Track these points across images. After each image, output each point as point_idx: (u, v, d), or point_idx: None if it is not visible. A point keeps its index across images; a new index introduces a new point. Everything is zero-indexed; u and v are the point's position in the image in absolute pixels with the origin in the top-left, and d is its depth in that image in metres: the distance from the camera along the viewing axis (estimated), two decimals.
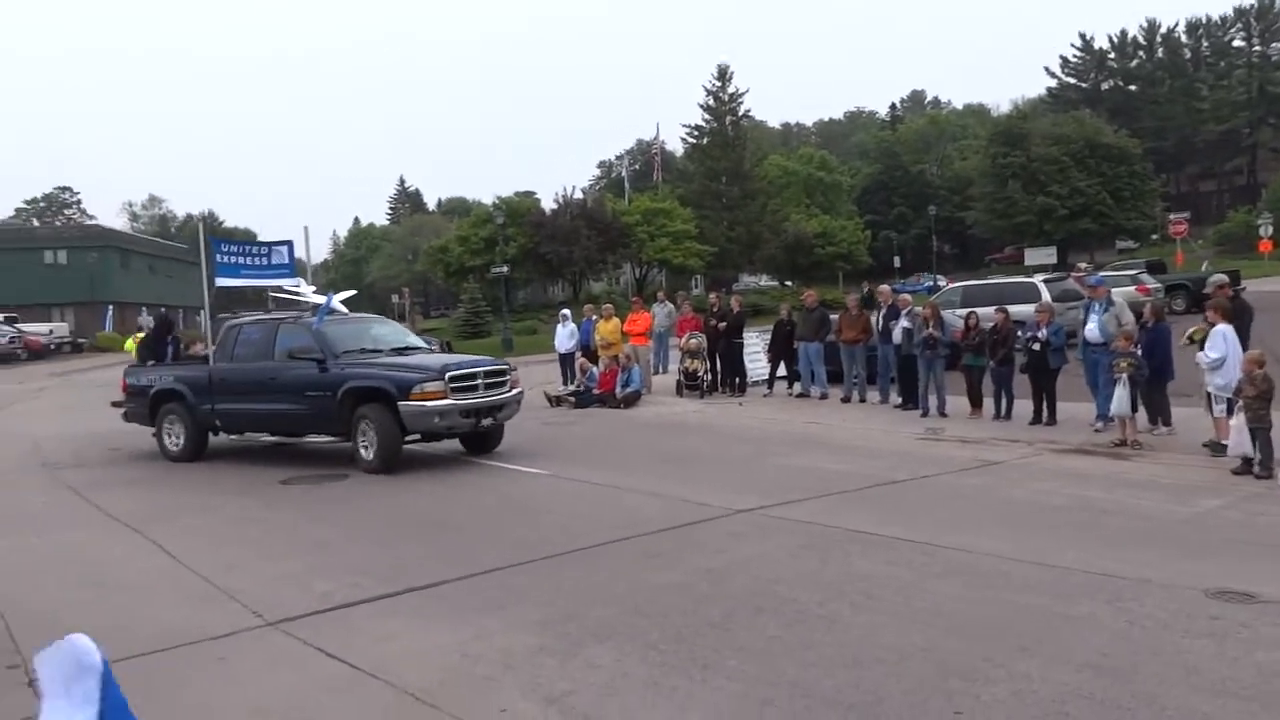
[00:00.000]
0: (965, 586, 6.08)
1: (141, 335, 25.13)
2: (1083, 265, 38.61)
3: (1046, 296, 19.31)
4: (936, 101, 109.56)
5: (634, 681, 4.75)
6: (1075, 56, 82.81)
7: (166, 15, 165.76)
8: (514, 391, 12.19)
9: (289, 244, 14.38)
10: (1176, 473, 9.59)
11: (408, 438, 11.32)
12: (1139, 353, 11.06)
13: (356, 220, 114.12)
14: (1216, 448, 9.90)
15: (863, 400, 15.96)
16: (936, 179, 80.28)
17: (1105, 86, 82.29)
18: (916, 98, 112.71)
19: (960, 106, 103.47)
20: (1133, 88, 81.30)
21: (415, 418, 10.98)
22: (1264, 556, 6.60)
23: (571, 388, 18.39)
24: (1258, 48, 79.05)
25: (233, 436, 12.94)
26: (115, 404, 14.32)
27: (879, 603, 5.82)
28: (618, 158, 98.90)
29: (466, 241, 53.05)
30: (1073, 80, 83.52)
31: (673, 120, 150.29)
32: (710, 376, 18.15)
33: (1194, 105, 75.58)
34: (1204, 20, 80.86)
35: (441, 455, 12.12)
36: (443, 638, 5.50)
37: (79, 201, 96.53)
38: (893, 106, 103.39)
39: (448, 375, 11.15)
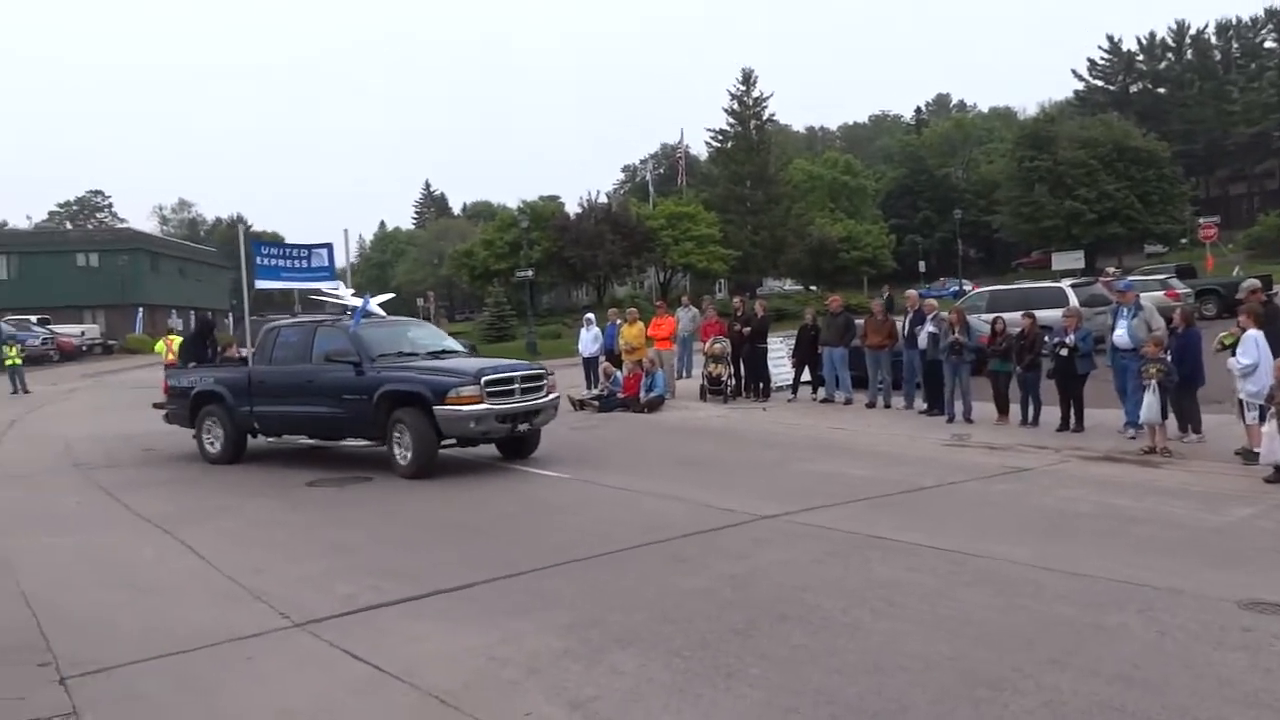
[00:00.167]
0: (992, 595, 6.03)
1: (174, 338, 25.47)
2: (1111, 270, 38.20)
3: (1074, 301, 19.20)
4: (962, 105, 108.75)
5: (658, 688, 4.74)
6: (1103, 59, 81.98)
7: (197, 23, 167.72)
8: (551, 396, 12.06)
9: (329, 246, 14.38)
10: (1207, 481, 9.47)
11: (443, 443, 11.24)
12: (1169, 358, 10.94)
13: (382, 224, 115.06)
14: (1249, 455, 9.76)
15: (887, 406, 15.87)
16: (962, 183, 79.74)
17: (1134, 89, 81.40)
18: (942, 101, 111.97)
19: (986, 110, 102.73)
20: (1161, 90, 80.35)
21: (451, 422, 10.91)
22: None
23: (595, 392, 18.41)
24: None
25: (270, 439, 12.93)
26: (157, 405, 14.44)
27: (904, 610, 5.79)
28: (642, 162, 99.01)
29: (491, 245, 53.30)
30: (1100, 83, 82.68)
31: (697, 124, 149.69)
32: (734, 381, 18.12)
33: (1224, 107, 74.60)
34: (1234, 21, 79.83)
35: (469, 460, 12.09)
36: (467, 641, 5.52)
37: (110, 205, 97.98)
38: (918, 110, 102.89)
39: (484, 380, 11.06)
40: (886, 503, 9.05)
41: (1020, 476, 10.16)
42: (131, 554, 8.02)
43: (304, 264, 14.03)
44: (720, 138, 63.67)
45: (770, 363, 18.35)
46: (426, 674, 5.02)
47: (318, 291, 14.46)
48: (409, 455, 10.98)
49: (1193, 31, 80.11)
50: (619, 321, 19.59)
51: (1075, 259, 56.75)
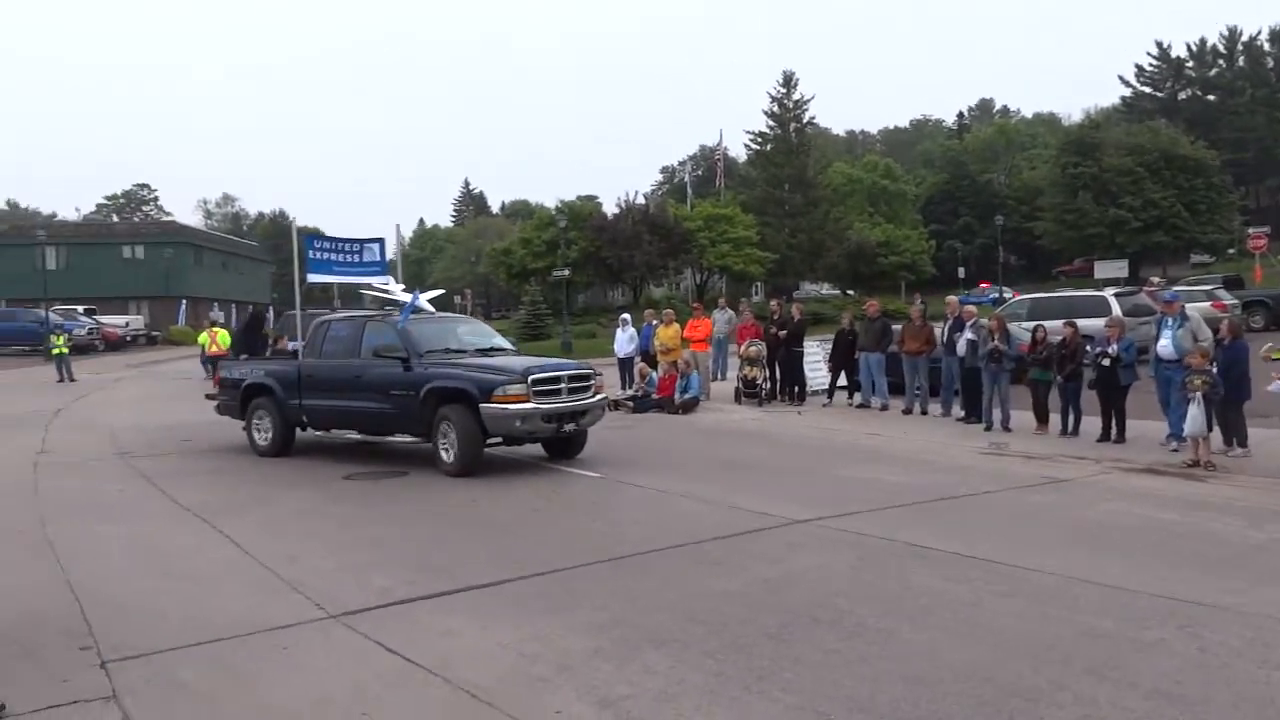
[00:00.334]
0: (1029, 606, 5.95)
1: (217, 330, 25.92)
2: (1155, 279, 37.64)
3: (1117, 311, 18.89)
4: (1005, 110, 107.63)
5: (690, 689, 4.74)
6: (1151, 65, 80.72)
7: (239, 19, 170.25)
8: (598, 397, 11.96)
9: (380, 241, 14.36)
10: (1253, 496, 9.29)
11: (489, 441, 11.15)
12: (1214, 370, 10.75)
13: (421, 221, 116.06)
14: None
15: (924, 412, 15.76)
16: (1004, 189, 78.87)
17: (1183, 96, 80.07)
18: (985, 106, 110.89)
19: (1030, 115, 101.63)
20: (1211, 97, 78.93)
21: (496, 420, 10.81)
22: None
23: (630, 392, 18.43)
24: None
25: (318, 433, 12.94)
26: (209, 396, 14.61)
27: (939, 619, 5.73)
28: (680, 163, 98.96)
29: (529, 244, 53.49)
30: (1148, 89, 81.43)
31: (736, 126, 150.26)
32: (769, 385, 18.07)
33: (1276, 116, 73.10)
34: None
35: (507, 458, 12.04)
36: (499, 637, 5.54)
37: (156, 198, 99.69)
38: (960, 115, 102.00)
39: (530, 378, 10.94)
40: (922, 510, 8.97)
41: (1059, 487, 10.02)
42: (172, 542, 8.15)
43: (356, 258, 13.98)
44: (759, 140, 63.44)
45: (806, 367, 18.29)
46: (459, 668, 5.05)
47: (368, 287, 14.42)
48: (454, 453, 10.93)
49: (1245, 38, 78.65)
50: (655, 322, 19.60)
51: (1119, 268, 55.90)
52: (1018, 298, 28.56)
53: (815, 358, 18.89)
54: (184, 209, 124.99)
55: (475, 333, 13.30)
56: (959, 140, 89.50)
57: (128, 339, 45.98)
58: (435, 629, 5.73)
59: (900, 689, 4.68)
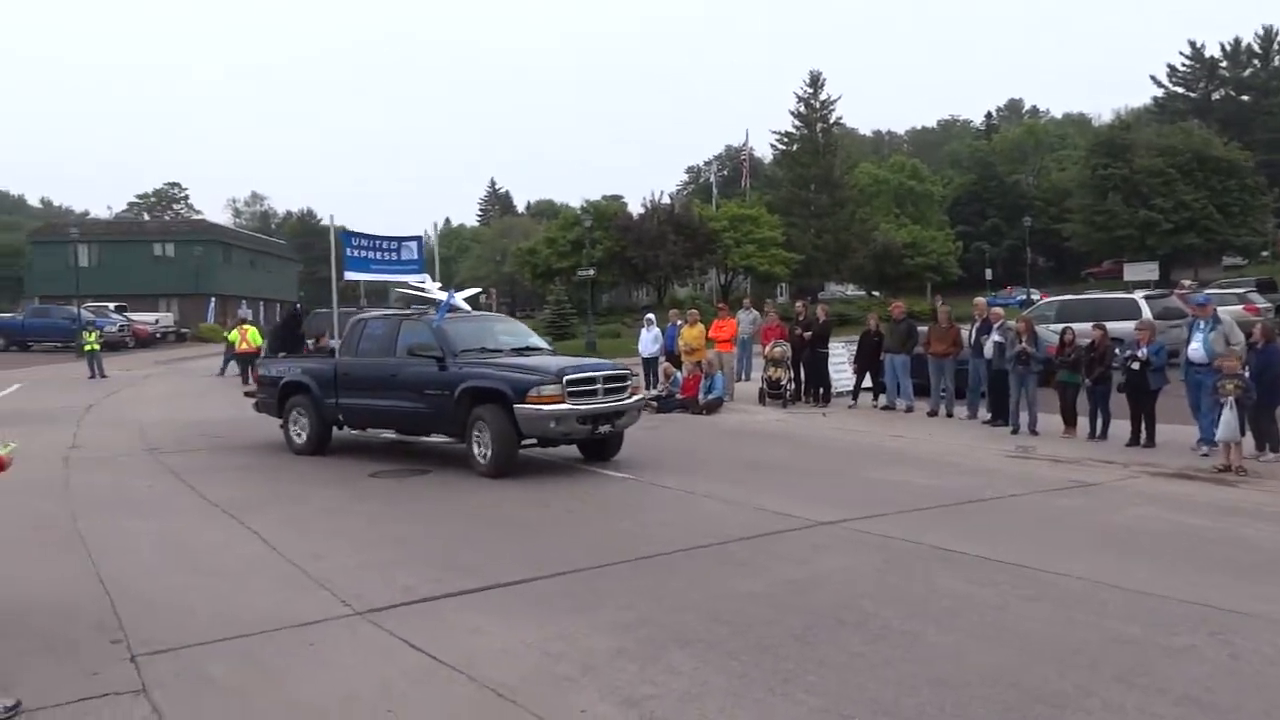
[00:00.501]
0: (1056, 610, 5.90)
1: (247, 327, 26.20)
2: (1187, 282, 37.20)
3: (1148, 313, 18.69)
4: (1034, 110, 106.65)
5: (714, 690, 4.73)
6: (1184, 65, 79.61)
7: (265, 19, 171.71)
8: (635, 398, 11.83)
9: (418, 239, 14.30)
10: None
11: (523, 442, 11.03)
12: (1247, 374, 10.61)
13: (447, 220, 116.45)
14: None
15: (950, 415, 15.65)
16: (1032, 190, 78.15)
17: (1216, 96, 78.88)
18: (1014, 106, 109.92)
19: (1059, 116, 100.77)
20: (1246, 98, 77.71)
21: (530, 421, 10.67)
22: None
23: (654, 392, 18.43)
24: None
25: (354, 432, 12.88)
26: (248, 394, 14.68)
27: (964, 622, 5.70)
28: (706, 163, 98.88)
29: (554, 244, 53.62)
30: (1181, 90, 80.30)
31: (762, 126, 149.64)
32: (794, 386, 18.01)
33: None
34: None
35: (542, 460, 11.95)
36: (524, 635, 5.56)
37: (187, 197, 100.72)
38: (988, 115, 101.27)
39: (565, 379, 10.81)
40: (948, 513, 8.92)
41: (1087, 491, 9.93)
42: (200, 538, 8.23)
43: (394, 256, 13.88)
44: (786, 140, 63.22)
45: (831, 368, 18.21)
46: (483, 666, 5.07)
47: (405, 285, 14.32)
48: (488, 454, 10.81)
49: None
50: (679, 322, 19.59)
51: (1149, 270, 55.27)
52: (1046, 300, 28.32)
53: (840, 359, 18.81)
54: (214, 207, 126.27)
55: (511, 332, 13.16)
56: (987, 141, 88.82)
57: (157, 336, 46.56)
58: (460, 627, 5.76)
59: (925, 693, 4.65)
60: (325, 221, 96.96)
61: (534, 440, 11.16)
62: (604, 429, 11.30)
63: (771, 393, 17.84)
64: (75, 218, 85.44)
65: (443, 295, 12.95)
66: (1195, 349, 11.72)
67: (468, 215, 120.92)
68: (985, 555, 7.19)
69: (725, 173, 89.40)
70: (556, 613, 5.99)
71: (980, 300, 16.40)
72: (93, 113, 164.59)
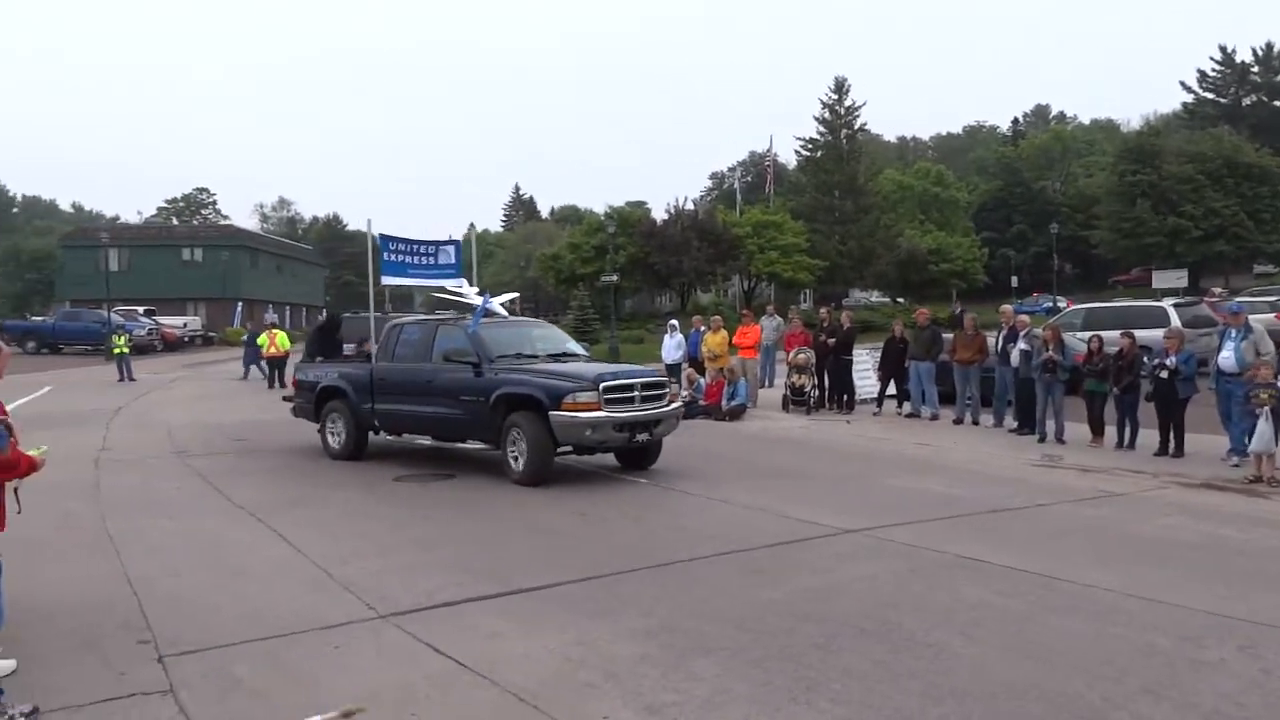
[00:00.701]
0: (1082, 622, 5.84)
1: (276, 331, 26.52)
2: (1217, 290, 36.75)
3: (1176, 322, 18.52)
4: (1062, 116, 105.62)
5: (736, 698, 4.72)
6: (1215, 70, 78.64)
7: (288, 22, 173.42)
8: (673, 406, 11.66)
9: (456, 244, 14.14)
10: None
11: (559, 450, 10.86)
12: (1279, 384, 10.47)
13: (472, 226, 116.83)
14: None
15: (975, 423, 15.55)
16: (1059, 196, 77.46)
17: (1247, 102, 77.89)
18: (1041, 112, 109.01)
19: (1087, 122, 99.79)
20: (1278, 103, 76.82)
21: (566, 429, 10.50)
22: None
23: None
24: None
25: (390, 437, 12.79)
26: (286, 398, 14.73)
27: (989, 633, 5.65)
28: (730, 169, 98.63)
29: (578, 249, 53.74)
30: (1211, 95, 79.31)
31: (786, 132, 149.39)
32: (817, 393, 17.95)
33: None
34: None
35: (573, 466, 11.81)
36: (546, 640, 5.57)
37: (215, 202, 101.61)
38: (1015, 121, 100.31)
39: (602, 385, 10.62)
40: (972, 522, 8.85)
41: (1114, 501, 9.82)
42: (227, 540, 8.30)
43: (431, 260, 13.73)
44: (810, 146, 63.04)
45: (855, 375, 18.14)
46: (505, 671, 5.08)
47: (442, 289, 14.21)
48: (523, 461, 10.68)
49: None
50: (703, 328, 19.58)
51: (1178, 277, 54.59)
52: (1072, 307, 28.07)
53: (864, 366, 18.73)
54: (241, 213, 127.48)
55: (548, 338, 13.00)
56: (1014, 147, 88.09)
57: (185, 339, 47.03)
58: (483, 631, 5.78)
59: (950, 704, 4.62)
60: (351, 227, 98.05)
61: (570, 448, 11.02)
62: (641, 437, 11.11)
63: (795, 399, 17.79)
64: (105, 222, 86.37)
65: (479, 300, 12.82)
66: (1226, 358, 11.59)
67: (492, 220, 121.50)
68: (1011, 565, 7.13)
69: (749, 179, 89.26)
70: (578, 618, 5.99)
71: (1007, 308, 16.28)
72: (124, 117, 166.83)
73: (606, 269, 42.32)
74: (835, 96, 60.84)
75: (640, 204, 74.74)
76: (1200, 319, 20.39)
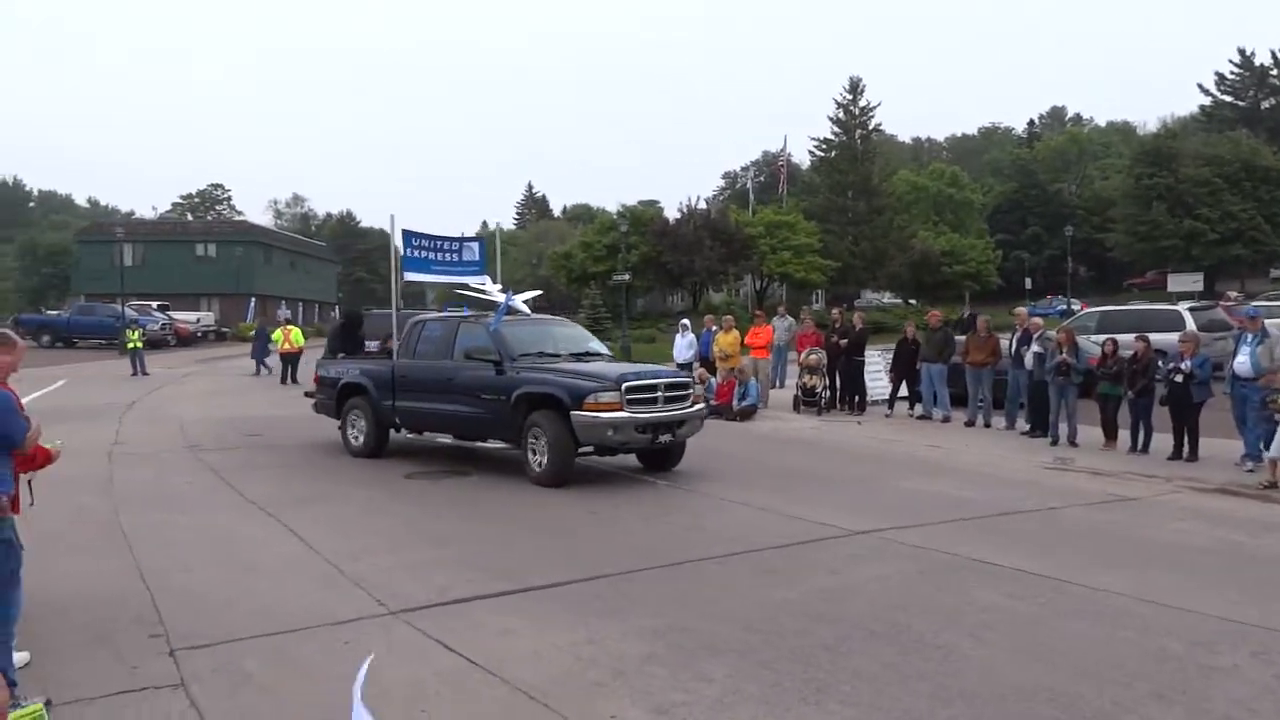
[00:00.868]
0: (1093, 626, 5.82)
1: (291, 328, 26.65)
2: (1233, 294, 36.47)
3: (1192, 325, 18.40)
4: (1078, 118, 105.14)
5: (746, 698, 4.72)
6: (1233, 73, 78.10)
7: (309, 18, 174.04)
8: (697, 407, 11.51)
9: (480, 241, 14.02)
10: None
11: (580, 450, 10.71)
12: None
13: (484, 224, 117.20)
14: None
15: (987, 425, 15.49)
16: (1074, 199, 77.08)
17: (1266, 105, 77.38)
18: (1056, 114, 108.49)
19: (1103, 124, 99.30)
20: None
21: (587, 429, 10.36)
22: None
23: None
24: None
25: (411, 435, 12.71)
26: (308, 394, 14.71)
27: (1000, 636, 5.63)
28: (743, 169, 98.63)
29: (590, 248, 53.74)
30: (1229, 98, 78.79)
31: (800, 133, 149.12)
32: (829, 393, 17.91)
33: None
34: None
35: (589, 466, 11.68)
36: (555, 639, 5.58)
37: (229, 198, 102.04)
38: (1031, 123, 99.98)
39: (624, 385, 10.47)
40: (984, 524, 8.82)
41: (1127, 505, 9.78)
42: (239, 535, 8.34)
43: (455, 257, 13.67)
44: (824, 147, 62.96)
45: (867, 376, 18.10)
46: (515, 669, 5.09)
47: (465, 287, 14.09)
48: (543, 461, 10.56)
49: None
50: (714, 328, 19.56)
51: (1194, 281, 54.34)
52: (1087, 310, 27.94)
53: (876, 367, 18.69)
54: (255, 209, 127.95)
55: (571, 336, 12.84)
56: (1029, 149, 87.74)
57: (198, 335, 47.28)
58: (493, 629, 5.79)
59: (959, 706, 4.60)
60: (365, 224, 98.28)
61: (591, 449, 10.89)
62: (664, 438, 10.95)
63: (806, 400, 17.76)
64: (121, 218, 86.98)
65: (502, 297, 12.74)
66: (1242, 362, 11.51)
67: (503, 218, 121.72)
68: (1022, 568, 7.11)
69: (762, 179, 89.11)
70: (589, 616, 6.00)
71: (1021, 310, 16.21)
72: (141, 112, 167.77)
73: (619, 268, 42.32)
74: (850, 97, 60.75)
75: (653, 203, 74.61)
76: (1216, 323, 20.25)
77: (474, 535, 8.45)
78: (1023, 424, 14.83)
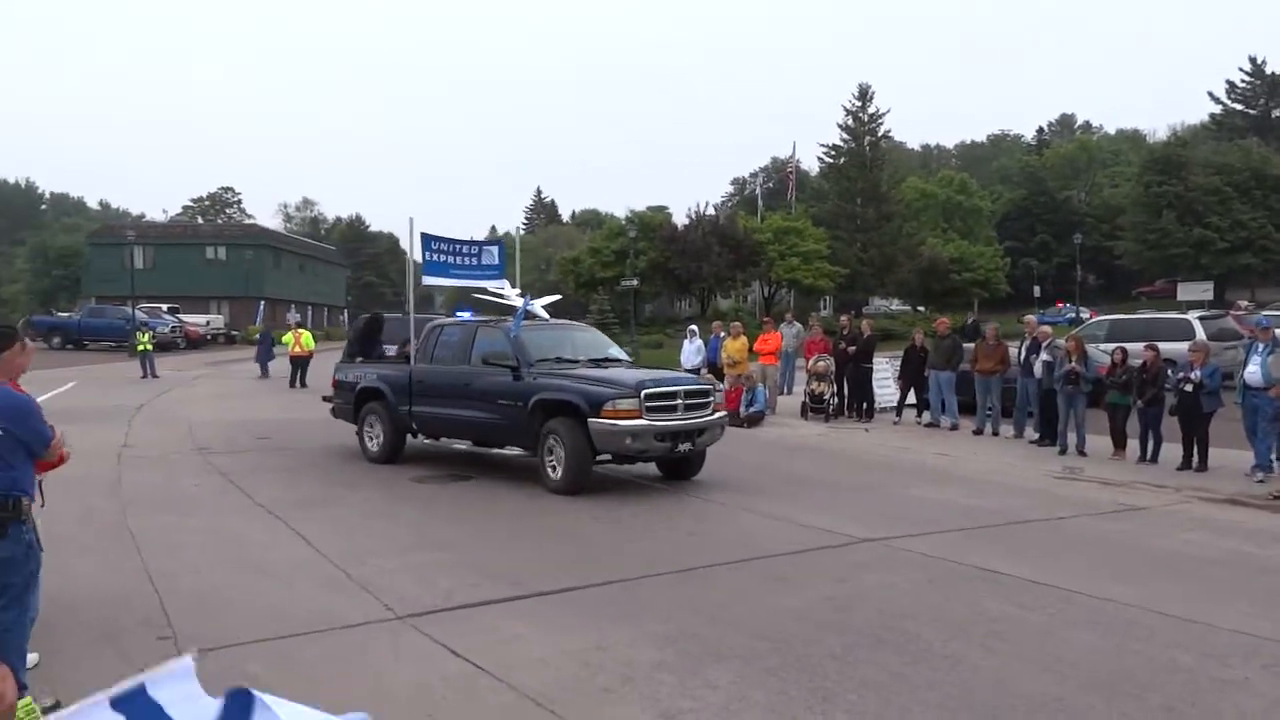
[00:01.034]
0: (1102, 637, 5.79)
1: (301, 331, 26.74)
2: (1243, 303, 36.24)
3: (1201, 335, 18.34)
4: (1087, 126, 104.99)
5: (752, 706, 4.70)
6: (1244, 81, 77.93)
7: (314, 24, 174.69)
8: (717, 415, 11.32)
9: (499, 244, 13.90)
10: None
11: (598, 458, 10.53)
12: None
13: (493, 229, 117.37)
14: None
15: (995, 433, 15.44)
16: (1083, 206, 76.90)
17: (1276, 113, 77.20)
18: (1066, 121, 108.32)
19: (1113, 132, 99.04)
20: None
21: (605, 437, 10.17)
22: None
23: None
24: None
25: (427, 440, 12.63)
26: (326, 399, 14.65)
27: (1008, 645, 5.61)
28: (752, 175, 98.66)
29: (598, 253, 53.79)
30: (1239, 106, 78.63)
31: (809, 139, 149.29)
32: (836, 400, 17.89)
33: None
34: None
35: (618, 477, 11.57)
36: (563, 644, 5.57)
37: (239, 201, 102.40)
38: (1040, 130, 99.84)
39: (643, 392, 10.27)
40: (992, 533, 8.79)
41: (1136, 515, 9.73)
42: (247, 538, 8.36)
43: (474, 261, 13.54)
44: (833, 153, 62.87)
45: (875, 383, 18.06)
46: (521, 674, 5.09)
47: (483, 290, 13.99)
48: (560, 469, 10.37)
49: None
50: (722, 334, 19.55)
51: (1203, 290, 54.02)
52: (1096, 318, 27.85)
53: (884, 374, 18.66)
54: (265, 212, 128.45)
55: (590, 342, 12.67)
56: (1038, 156, 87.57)
57: (208, 337, 47.42)
58: (500, 634, 5.79)
59: (966, 716, 4.59)
60: (374, 228, 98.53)
61: (609, 457, 10.71)
62: (684, 447, 10.74)
63: (814, 407, 17.74)
64: (132, 220, 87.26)
65: (520, 301, 12.62)
66: (1252, 372, 11.46)
67: (512, 222, 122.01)
68: (1030, 577, 7.08)
69: (771, 185, 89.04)
70: (596, 622, 5.99)
71: (1030, 318, 16.17)
72: (153, 114, 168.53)
73: (627, 273, 42.39)
74: (859, 103, 60.67)
75: (661, 209, 74.75)
76: (1226, 332, 20.18)
77: (482, 540, 8.45)
78: (1031, 432, 14.78)
